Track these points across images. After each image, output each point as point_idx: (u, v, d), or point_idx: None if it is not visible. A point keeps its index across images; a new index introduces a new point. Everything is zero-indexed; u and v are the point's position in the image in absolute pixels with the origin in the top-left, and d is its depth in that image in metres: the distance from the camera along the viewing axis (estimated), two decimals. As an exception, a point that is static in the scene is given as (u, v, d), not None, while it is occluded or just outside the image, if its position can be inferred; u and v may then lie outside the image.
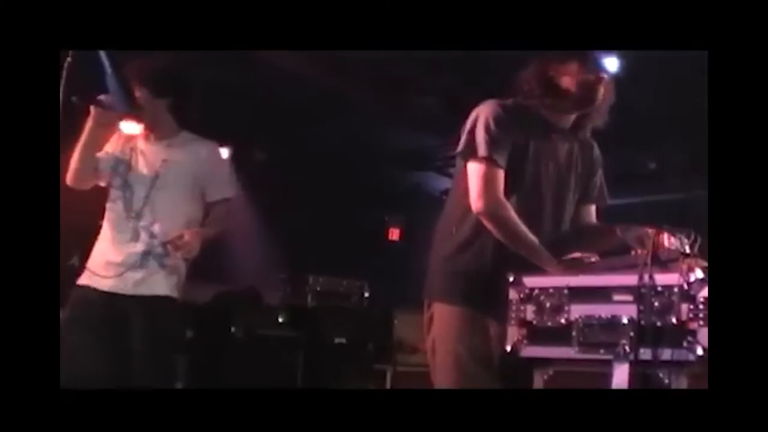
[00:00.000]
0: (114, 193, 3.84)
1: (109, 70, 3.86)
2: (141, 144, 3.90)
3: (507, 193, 3.14)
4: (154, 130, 3.90)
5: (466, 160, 3.19)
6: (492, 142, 3.11)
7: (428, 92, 6.98)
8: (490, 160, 3.12)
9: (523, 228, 3.09)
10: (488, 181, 3.12)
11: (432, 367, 3.25)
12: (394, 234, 9.50)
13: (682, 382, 2.59)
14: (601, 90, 3.17)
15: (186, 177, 3.87)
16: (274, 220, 8.25)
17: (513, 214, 3.10)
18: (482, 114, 3.17)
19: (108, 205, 3.86)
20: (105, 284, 3.75)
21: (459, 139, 3.24)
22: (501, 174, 3.14)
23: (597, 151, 3.42)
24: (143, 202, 3.80)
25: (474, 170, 3.15)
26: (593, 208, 3.44)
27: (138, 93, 3.80)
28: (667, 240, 2.85)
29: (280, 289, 7.13)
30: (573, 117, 3.28)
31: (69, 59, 2.88)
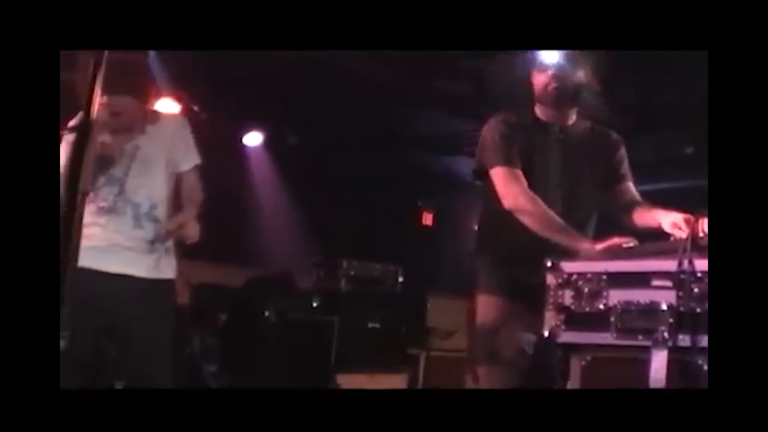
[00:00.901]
0: (102, 190, 3.80)
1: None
2: (109, 138, 3.82)
3: None
4: (130, 126, 3.87)
5: (481, 178, 3.43)
6: (501, 151, 3.35)
7: (459, 76, 6.95)
8: (505, 165, 3.33)
9: (554, 216, 3.19)
10: (510, 180, 3.31)
11: (475, 358, 3.35)
12: (428, 218, 9.49)
13: (720, 370, 2.57)
14: (551, 82, 3.34)
15: (162, 156, 3.91)
16: (307, 204, 8.26)
17: (542, 204, 3.23)
18: (486, 133, 3.43)
19: (97, 204, 3.77)
20: (115, 268, 3.76)
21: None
22: (519, 172, 3.33)
23: (614, 134, 3.55)
24: (136, 191, 3.82)
25: (494, 176, 3.35)
26: (629, 184, 3.51)
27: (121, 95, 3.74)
28: (706, 225, 2.83)
29: (313, 273, 7.14)
30: (571, 112, 3.45)
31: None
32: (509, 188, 3.29)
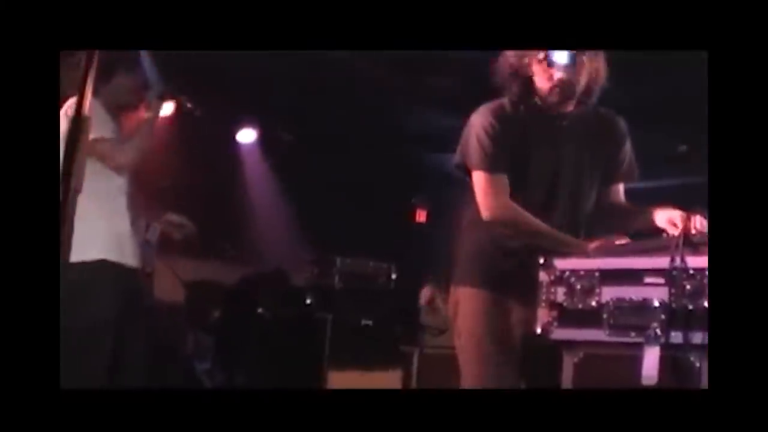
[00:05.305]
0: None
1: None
2: None
3: (515, 193, 3.15)
4: None
5: (464, 173, 3.23)
6: (486, 155, 3.14)
7: (452, 72, 6.94)
8: (488, 171, 3.15)
9: (539, 223, 3.09)
10: (490, 191, 3.15)
11: (458, 350, 3.27)
12: (421, 215, 9.47)
13: (712, 367, 2.58)
14: (578, 79, 3.11)
15: None
16: (301, 201, 8.26)
17: (524, 214, 3.11)
18: (473, 127, 3.20)
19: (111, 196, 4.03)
20: (130, 261, 4.00)
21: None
22: (502, 180, 3.15)
23: (621, 124, 3.34)
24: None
25: (475, 182, 3.18)
26: (621, 186, 3.38)
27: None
28: (699, 222, 2.84)
29: (306, 270, 7.14)
30: (572, 100, 3.20)
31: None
32: (488, 200, 3.14)
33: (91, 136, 3.81)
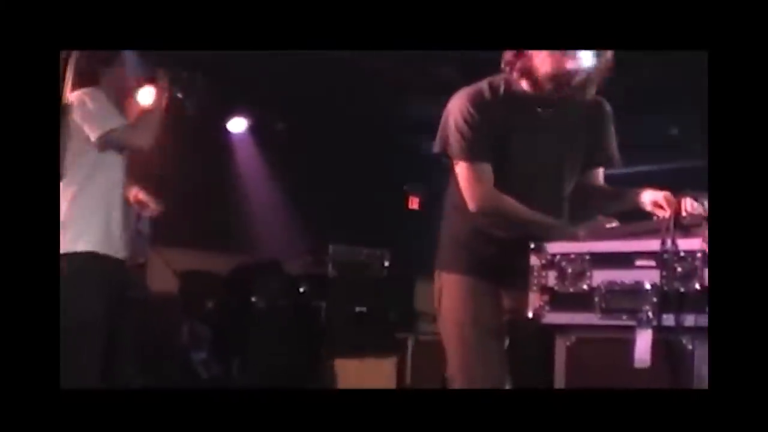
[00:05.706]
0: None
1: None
2: None
3: (498, 179, 3.10)
4: None
5: (446, 160, 3.17)
6: (466, 143, 3.07)
7: (447, 60, 6.94)
8: (469, 160, 3.09)
9: (527, 210, 3.05)
10: (473, 181, 3.09)
11: (443, 336, 3.27)
12: (414, 203, 9.47)
13: (704, 349, 2.58)
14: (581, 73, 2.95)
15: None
16: (295, 190, 8.25)
17: (510, 202, 3.06)
18: (452, 114, 3.11)
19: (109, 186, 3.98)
20: (120, 253, 3.95)
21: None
22: (486, 168, 3.09)
23: (606, 108, 3.24)
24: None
25: (458, 172, 3.13)
26: (600, 171, 3.32)
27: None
28: (690, 205, 2.83)
29: (300, 258, 7.15)
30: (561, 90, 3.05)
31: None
32: (473, 190, 3.08)
33: (103, 130, 3.85)
